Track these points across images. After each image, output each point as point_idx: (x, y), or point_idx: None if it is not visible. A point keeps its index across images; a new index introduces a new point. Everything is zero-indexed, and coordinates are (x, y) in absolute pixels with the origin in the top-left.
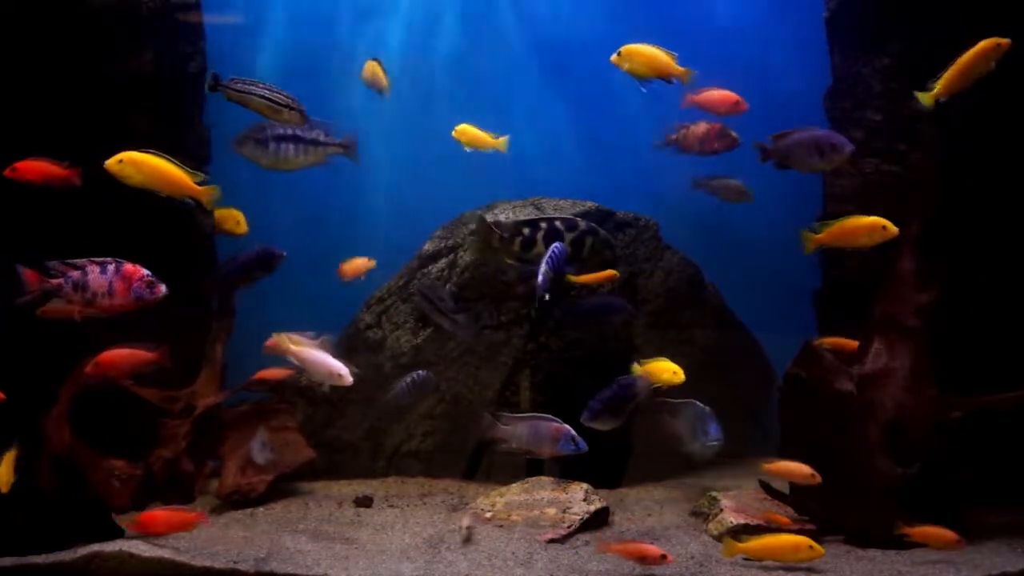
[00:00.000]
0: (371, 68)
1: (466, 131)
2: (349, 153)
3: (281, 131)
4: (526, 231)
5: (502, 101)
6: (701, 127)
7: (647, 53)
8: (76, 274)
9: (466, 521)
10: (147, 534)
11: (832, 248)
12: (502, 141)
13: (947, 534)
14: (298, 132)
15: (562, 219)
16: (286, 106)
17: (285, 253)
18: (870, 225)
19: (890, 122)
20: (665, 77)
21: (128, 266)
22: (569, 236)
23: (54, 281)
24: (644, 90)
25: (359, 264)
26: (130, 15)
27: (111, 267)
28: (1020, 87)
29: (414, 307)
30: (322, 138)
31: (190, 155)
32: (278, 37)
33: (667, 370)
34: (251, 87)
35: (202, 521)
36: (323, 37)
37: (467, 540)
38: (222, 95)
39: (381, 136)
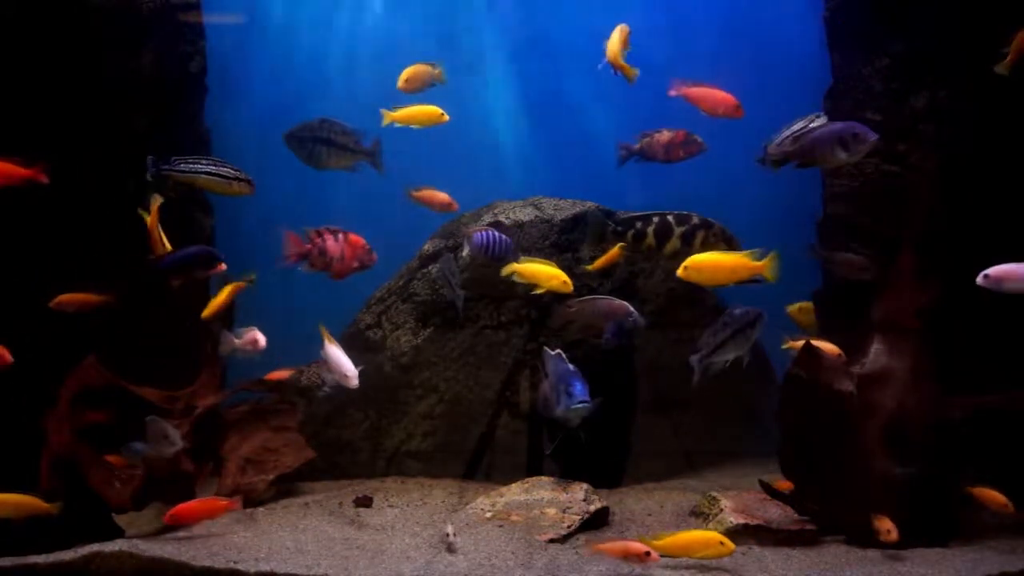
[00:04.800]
0: (417, 71)
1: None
2: (374, 161)
3: (319, 134)
4: (638, 224)
5: (501, 100)
6: (665, 135)
7: (611, 39)
8: (320, 240)
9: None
10: (183, 524)
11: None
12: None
13: (1000, 497)
14: (331, 136)
15: (676, 213)
16: (234, 178)
17: (223, 261)
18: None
19: (890, 122)
20: (614, 67)
21: (352, 235)
22: (679, 230)
23: (307, 246)
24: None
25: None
26: (130, 15)
27: (341, 236)
28: (1019, 87)
29: (414, 307)
30: (352, 145)
31: (190, 155)
32: (277, 36)
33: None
34: (195, 165)
35: (233, 507)
36: (322, 36)
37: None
38: (167, 180)
39: (380, 136)
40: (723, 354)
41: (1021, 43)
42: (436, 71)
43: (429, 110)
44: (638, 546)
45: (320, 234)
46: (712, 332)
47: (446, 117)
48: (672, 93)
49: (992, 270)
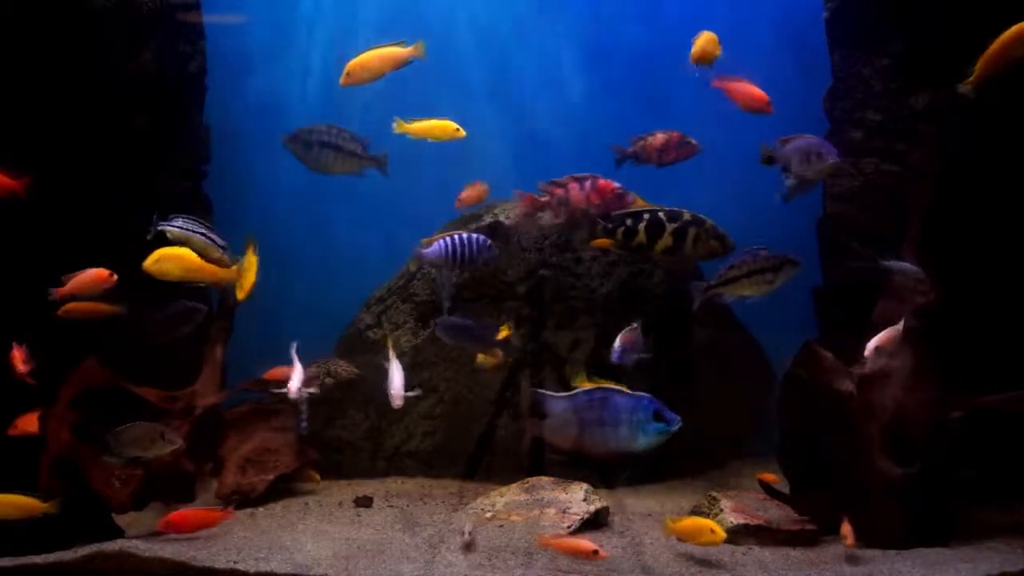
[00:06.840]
0: (363, 61)
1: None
2: (381, 167)
3: (325, 138)
4: (628, 221)
5: (501, 99)
6: (659, 137)
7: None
8: (560, 191)
9: (468, 526)
10: (176, 533)
11: None
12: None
13: None
14: (338, 142)
15: (667, 210)
16: (222, 247)
17: (205, 309)
18: None
19: (890, 122)
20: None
21: (601, 181)
22: (671, 227)
23: (543, 199)
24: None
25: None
26: (130, 15)
27: (587, 183)
28: (1019, 87)
29: (414, 307)
30: (359, 151)
31: (190, 155)
32: (277, 36)
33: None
34: (190, 226)
35: (228, 518)
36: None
37: (469, 546)
38: (164, 235)
39: (380, 136)
40: (735, 290)
41: (986, 63)
42: (404, 52)
43: (444, 125)
44: (587, 544)
45: (559, 184)
46: (728, 266)
47: (462, 133)
48: (714, 85)
49: (874, 341)
